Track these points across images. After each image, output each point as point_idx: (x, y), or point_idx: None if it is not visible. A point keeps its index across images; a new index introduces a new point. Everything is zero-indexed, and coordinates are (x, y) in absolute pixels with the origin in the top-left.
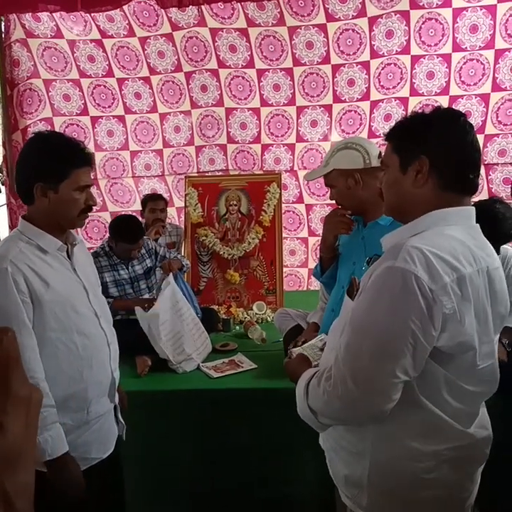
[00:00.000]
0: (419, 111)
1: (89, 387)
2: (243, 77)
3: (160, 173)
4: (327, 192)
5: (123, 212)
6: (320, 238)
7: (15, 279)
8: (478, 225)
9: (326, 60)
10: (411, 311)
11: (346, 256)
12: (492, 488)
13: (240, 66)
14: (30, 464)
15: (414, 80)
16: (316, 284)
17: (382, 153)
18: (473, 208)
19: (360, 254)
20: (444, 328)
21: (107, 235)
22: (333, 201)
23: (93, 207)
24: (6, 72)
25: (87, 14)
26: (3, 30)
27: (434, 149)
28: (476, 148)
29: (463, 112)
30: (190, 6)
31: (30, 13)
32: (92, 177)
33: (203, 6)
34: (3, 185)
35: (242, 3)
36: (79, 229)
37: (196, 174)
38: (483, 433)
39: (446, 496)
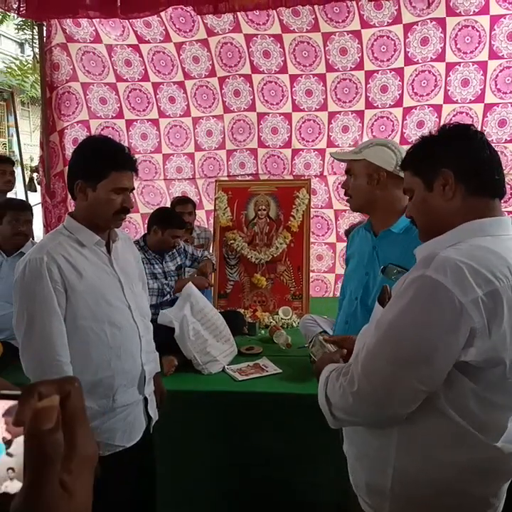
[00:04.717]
0: (427, 134)
1: (116, 375)
2: (276, 83)
3: (191, 176)
4: None
5: None
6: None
7: (49, 268)
8: None
9: (360, 66)
10: (435, 323)
11: (357, 267)
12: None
13: (273, 71)
14: None
15: (448, 88)
16: None
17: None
18: (510, 218)
19: (373, 265)
20: (472, 343)
21: (137, 235)
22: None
23: (129, 210)
24: (47, 75)
25: (125, 20)
26: (45, 34)
27: (454, 159)
28: (492, 149)
29: (498, 119)
30: (226, 13)
31: (71, 19)
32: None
33: (238, 13)
34: (39, 184)
35: (277, 10)
36: None
37: (226, 178)
38: (511, 448)
39: (469, 508)
